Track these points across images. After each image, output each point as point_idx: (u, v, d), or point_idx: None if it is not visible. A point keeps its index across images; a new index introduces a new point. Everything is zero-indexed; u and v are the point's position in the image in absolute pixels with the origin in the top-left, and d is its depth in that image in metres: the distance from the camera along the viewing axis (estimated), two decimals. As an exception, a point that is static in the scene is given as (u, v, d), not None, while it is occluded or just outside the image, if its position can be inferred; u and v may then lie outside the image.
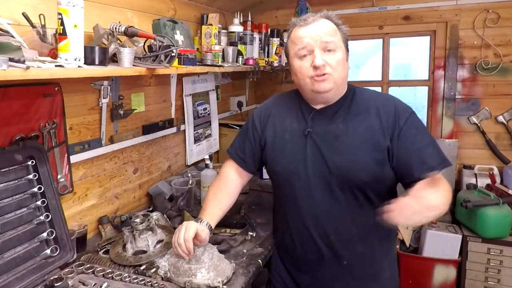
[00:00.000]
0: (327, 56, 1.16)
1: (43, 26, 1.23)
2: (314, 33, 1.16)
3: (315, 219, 1.24)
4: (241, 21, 2.37)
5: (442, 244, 2.39)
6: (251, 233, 1.60)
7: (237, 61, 2.23)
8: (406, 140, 1.16)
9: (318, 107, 1.25)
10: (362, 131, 1.19)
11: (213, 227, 1.30)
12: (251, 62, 2.28)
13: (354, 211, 1.21)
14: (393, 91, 2.99)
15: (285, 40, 1.41)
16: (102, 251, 1.47)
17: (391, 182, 1.22)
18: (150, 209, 1.91)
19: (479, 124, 2.66)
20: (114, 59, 1.34)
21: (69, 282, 1.18)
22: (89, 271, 1.25)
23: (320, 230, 1.24)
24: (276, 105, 1.39)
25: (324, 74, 1.15)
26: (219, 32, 2.13)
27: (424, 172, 1.10)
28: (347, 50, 1.24)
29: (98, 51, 1.19)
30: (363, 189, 1.19)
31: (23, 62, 0.92)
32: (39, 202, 1.26)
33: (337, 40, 1.18)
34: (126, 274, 1.23)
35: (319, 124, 1.24)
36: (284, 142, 1.28)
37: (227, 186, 1.40)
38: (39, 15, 1.23)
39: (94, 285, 1.17)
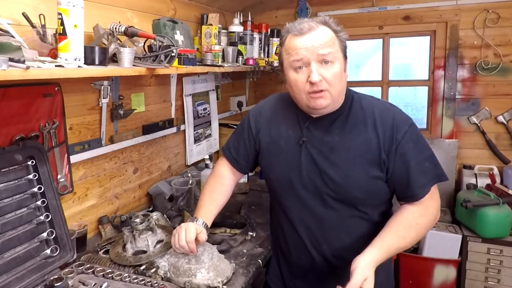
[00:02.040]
0: (324, 70, 1.08)
1: (43, 26, 1.23)
2: (311, 45, 1.07)
3: (307, 228, 1.23)
4: (241, 21, 2.37)
5: (442, 244, 2.39)
6: (251, 233, 1.61)
7: (237, 61, 2.23)
8: (403, 155, 1.12)
9: (314, 115, 1.20)
10: (359, 145, 1.14)
11: (209, 226, 1.31)
12: (251, 62, 2.28)
13: (347, 221, 1.19)
14: (393, 91, 2.98)
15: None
16: (102, 251, 1.47)
17: (385, 196, 1.20)
18: (150, 209, 1.91)
19: (479, 124, 2.66)
20: (114, 59, 1.34)
21: (69, 282, 1.18)
22: (89, 271, 1.25)
23: (312, 238, 1.23)
24: (272, 108, 1.33)
25: (321, 91, 1.08)
26: (219, 32, 2.13)
27: (415, 191, 1.13)
28: (345, 57, 1.15)
29: (98, 51, 1.19)
30: (356, 203, 1.17)
31: (23, 62, 0.92)
32: (39, 202, 1.26)
33: (335, 51, 1.09)
34: (126, 274, 1.23)
35: (315, 134, 1.19)
36: (279, 149, 1.25)
37: (221, 184, 1.40)
38: (39, 15, 1.23)
39: (94, 285, 1.17)
